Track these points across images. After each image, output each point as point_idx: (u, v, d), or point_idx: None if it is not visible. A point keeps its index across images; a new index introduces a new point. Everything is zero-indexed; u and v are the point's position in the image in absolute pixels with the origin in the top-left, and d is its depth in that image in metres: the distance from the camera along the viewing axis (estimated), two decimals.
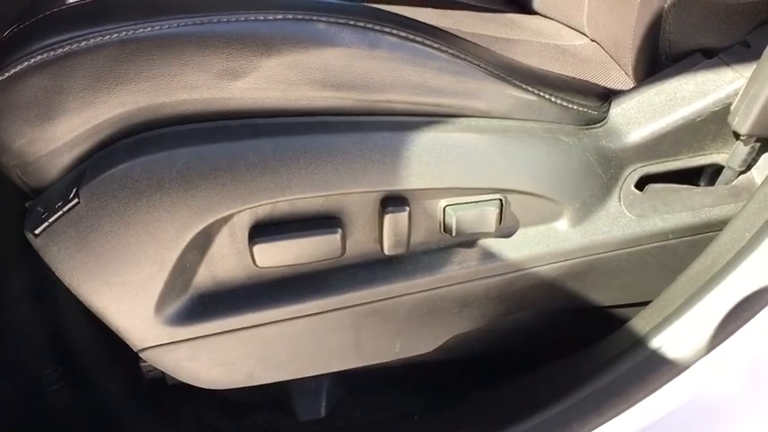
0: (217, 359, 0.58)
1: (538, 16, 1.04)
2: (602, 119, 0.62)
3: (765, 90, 0.54)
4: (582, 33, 0.94)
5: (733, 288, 0.52)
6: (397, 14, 0.55)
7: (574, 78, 0.70)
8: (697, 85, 0.60)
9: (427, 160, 0.53)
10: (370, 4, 0.79)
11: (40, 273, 0.82)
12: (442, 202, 0.56)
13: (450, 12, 1.00)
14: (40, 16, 0.52)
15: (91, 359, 0.84)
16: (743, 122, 0.57)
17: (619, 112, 0.62)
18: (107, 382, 0.85)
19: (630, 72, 0.76)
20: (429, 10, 0.97)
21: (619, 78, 0.80)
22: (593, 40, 0.91)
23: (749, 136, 0.58)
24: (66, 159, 0.52)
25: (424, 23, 0.56)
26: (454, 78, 0.54)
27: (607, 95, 0.64)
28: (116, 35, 0.48)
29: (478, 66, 0.54)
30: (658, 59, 0.66)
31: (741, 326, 0.52)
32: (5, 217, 0.80)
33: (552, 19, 1.01)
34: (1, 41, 0.54)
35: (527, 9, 1.05)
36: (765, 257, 0.51)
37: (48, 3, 0.60)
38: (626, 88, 0.70)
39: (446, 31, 0.57)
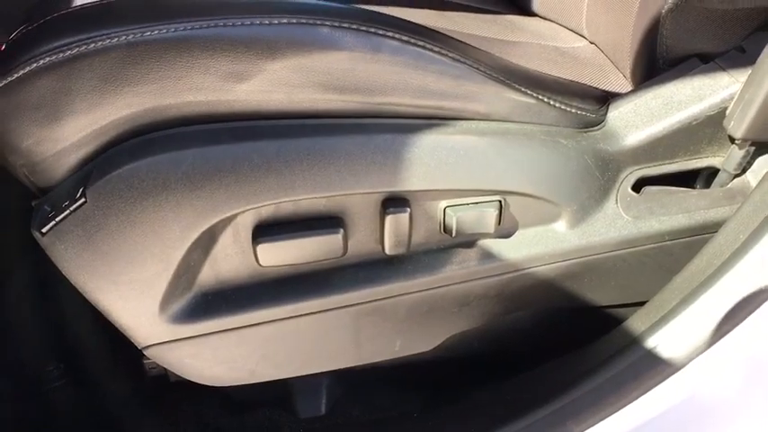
0: (220, 356, 0.59)
1: (537, 18, 1.05)
2: (599, 122, 0.63)
3: (760, 95, 0.55)
4: (581, 36, 0.95)
5: (727, 289, 0.53)
6: (398, 18, 0.56)
7: (572, 81, 0.71)
8: (693, 90, 0.61)
9: (428, 162, 0.54)
10: (371, 9, 0.80)
11: (43, 271, 0.83)
12: (443, 204, 0.57)
13: (449, 13, 1.01)
14: (48, 18, 0.53)
15: (92, 357, 0.85)
16: (738, 127, 0.58)
17: (616, 115, 0.63)
18: (108, 380, 0.85)
19: (629, 75, 0.77)
20: (428, 12, 0.98)
21: (617, 81, 0.81)
22: (591, 43, 0.92)
23: (744, 140, 0.59)
24: (72, 159, 0.53)
25: (425, 27, 0.56)
26: (455, 82, 0.55)
27: (605, 98, 0.65)
28: (124, 38, 0.49)
29: (478, 69, 0.55)
30: (656, 63, 0.67)
31: (735, 326, 0.53)
32: (8, 215, 0.81)
33: (551, 21, 1.02)
34: (9, 43, 0.55)
35: (526, 11, 1.06)
36: (758, 259, 0.52)
37: (55, 3, 0.61)
38: (624, 91, 0.71)
39: (447, 35, 0.58)
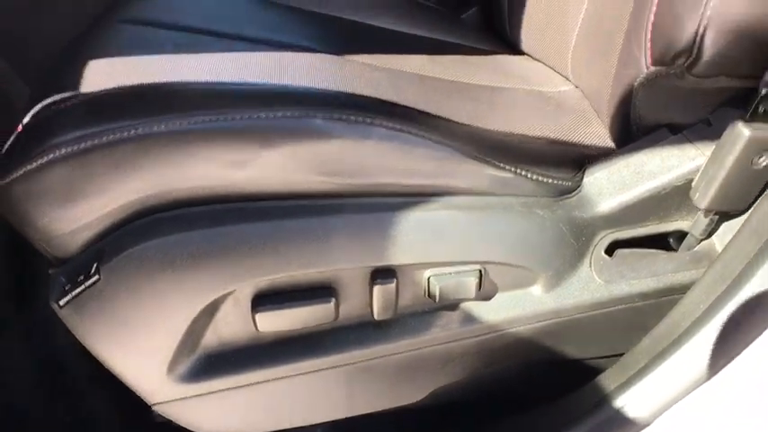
0: (222, 412, 0.64)
1: (526, 57, 1.08)
2: (575, 188, 0.67)
3: (721, 173, 0.60)
4: (567, 78, 0.99)
5: (688, 355, 0.58)
6: (386, 103, 0.60)
7: (551, 145, 0.75)
8: (662, 160, 0.65)
9: (413, 238, 0.59)
10: (365, 58, 0.84)
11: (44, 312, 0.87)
12: (427, 273, 0.62)
13: (439, 57, 1.03)
14: (63, 105, 0.58)
15: (97, 399, 0.90)
16: (702, 199, 0.62)
17: (591, 181, 0.67)
18: (113, 422, 0.90)
19: (608, 130, 0.81)
20: (422, 57, 1.01)
21: (599, 131, 0.85)
22: (577, 86, 0.96)
23: (708, 210, 0.64)
24: (85, 236, 0.58)
25: (411, 109, 0.61)
26: (437, 163, 0.59)
27: (581, 163, 0.69)
28: (133, 131, 0.53)
29: (460, 150, 0.60)
30: (630, 128, 0.71)
31: (696, 388, 0.57)
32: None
33: (539, 60, 1.06)
34: (28, 126, 0.59)
35: (516, 49, 1.10)
36: (716, 329, 0.56)
37: (60, 81, 0.65)
38: (605, 142, 0.75)
39: (431, 115, 0.62)
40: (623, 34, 0.71)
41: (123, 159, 0.54)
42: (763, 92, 0.55)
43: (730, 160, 0.59)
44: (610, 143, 0.78)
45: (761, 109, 0.56)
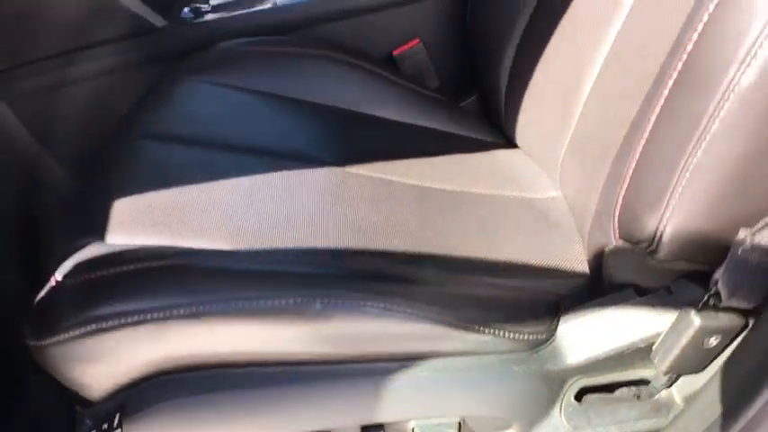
0: None
1: (519, 152, 1.13)
2: (549, 338, 0.74)
3: (677, 346, 0.67)
4: (556, 181, 1.04)
5: None
6: (379, 279, 0.68)
7: (532, 281, 0.81)
8: (627, 322, 0.72)
9: (399, 399, 0.67)
10: (365, 168, 0.90)
11: None
12: (411, 423, 0.70)
13: (438, 160, 1.08)
14: (94, 275, 0.65)
15: None
16: (661, 363, 0.69)
17: (563, 332, 0.74)
18: None
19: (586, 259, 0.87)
20: (421, 165, 1.05)
21: (578, 254, 0.91)
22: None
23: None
24: (109, 389, 0.66)
25: (399, 281, 0.68)
26: (421, 334, 0.67)
27: (557, 307, 0.76)
28: (156, 314, 0.61)
29: (442, 321, 0.67)
30: (603, 282, 0.78)
31: None
32: None
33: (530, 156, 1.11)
34: (61, 286, 0.66)
35: (511, 141, 1.14)
36: None
37: (88, 218, 0.72)
38: (582, 269, 0.81)
39: (417, 282, 0.69)
40: (604, 177, 0.77)
41: (146, 338, 0.62)
42: (713, 290, 0.62)
43: (684, 339, 0.66)
44: (587, 269, 0.84)
45: (711, 302, 0.63)
